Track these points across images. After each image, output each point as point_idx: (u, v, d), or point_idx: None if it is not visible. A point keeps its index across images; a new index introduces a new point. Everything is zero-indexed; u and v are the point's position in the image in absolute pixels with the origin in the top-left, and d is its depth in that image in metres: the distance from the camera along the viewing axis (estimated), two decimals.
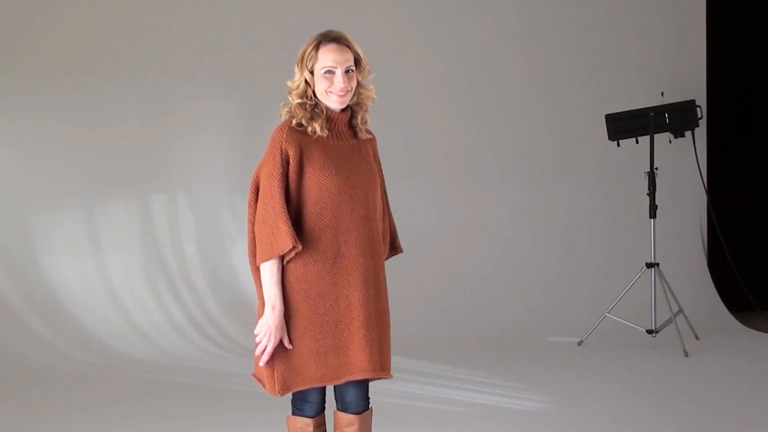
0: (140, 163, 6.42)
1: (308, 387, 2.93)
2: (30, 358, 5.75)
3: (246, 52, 6.55)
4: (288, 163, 2.87)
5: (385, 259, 3.09)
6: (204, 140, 6.53)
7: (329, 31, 2.94)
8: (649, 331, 6.10)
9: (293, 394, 3.00)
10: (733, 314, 6.96)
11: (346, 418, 2.99)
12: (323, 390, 3.02)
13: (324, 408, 3.06)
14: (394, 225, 3.14)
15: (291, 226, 2.82)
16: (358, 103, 2.97)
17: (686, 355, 5.86)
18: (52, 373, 5.56)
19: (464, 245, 6.91)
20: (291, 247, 2.82)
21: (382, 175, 3.10)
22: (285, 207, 2.84)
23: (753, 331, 6.71)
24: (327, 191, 2.86)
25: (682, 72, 7.24)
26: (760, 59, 7.50)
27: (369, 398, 3.03)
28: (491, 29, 7.02)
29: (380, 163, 3.09)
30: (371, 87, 2.99)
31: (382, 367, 2.91)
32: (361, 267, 2.90)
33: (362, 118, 2.98)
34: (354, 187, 2.89)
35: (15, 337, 5.90)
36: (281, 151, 2.87)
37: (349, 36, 2.94)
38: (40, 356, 5.77)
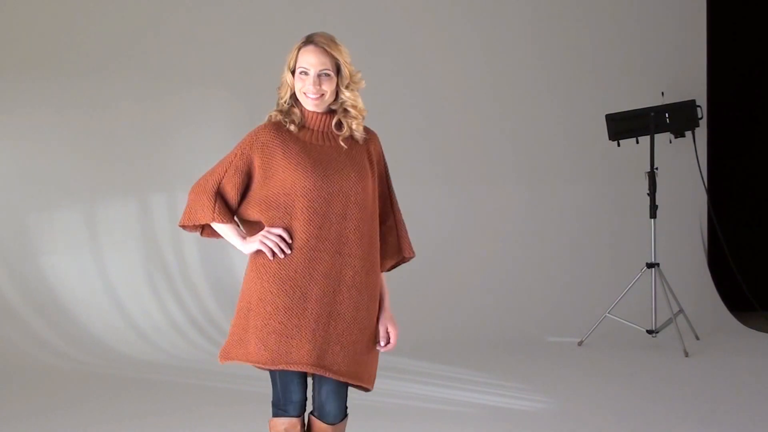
0: (140, 162, 6.42)
1: (245, 362, 2.93)
2: (30, 358, 5.75)
3: (248, 51, 6.55)
4: (251, 163, 2.95)
5: (391, 265, 3.07)
6: (205, 139, 6.52)
7: (314, 34, 2.96)
8: (650, 331, 6.11)
9: (275, 395, 2.99)
10: (733, 314, 6.96)
11: (321, 427, 2.97)
12: (305, 389, 2.99)
13: (305, 408, 3.02)
14: (401, 229, 3.09)
15: (214, 203, 2.95)
16: (344, 111, 2.97)
17: (686, 355, 5.86)
18: (52, 373, 5.56)
19: (463, 245, 6.91)
20: (210, 220, 2.96)
21: (386, 179, 3.09)
22: (218, 182, 2.96)
23: (753, 331, 6.71)
24: (301, 186, 2.90)
25: (682, 72, 7.24)
26: (760, 59, 7.50)
27: (347, 407, 3.00)
28: (490, 31, 7.02)
29: (384, 165, 3.08)
30: (354, 96, 2.95)
31: (324, 365, 2.86)
32: (326, 263, 2.89)
33: (348, 126, 2.97)
34: (331, 185, 2.90)
35: (15, 337, 5.90)
36: (247, 144, 2.97)
37: (338, 41, 2.94)
38: (40, 356, 5.77)
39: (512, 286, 6.84)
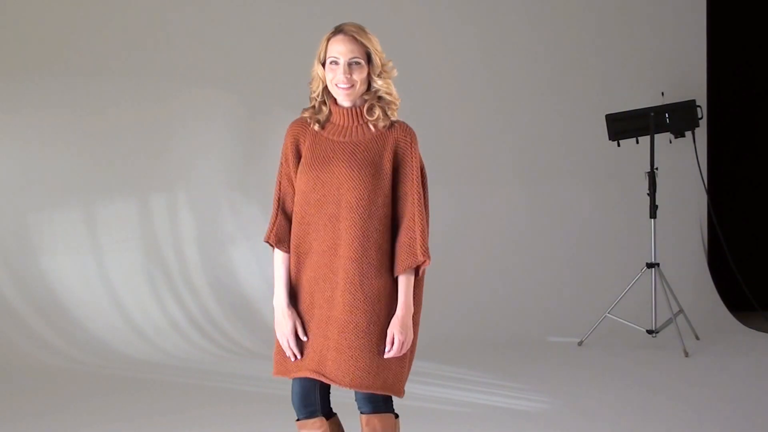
0: (140, 162, 6.41)
1: (293, 377, 2.92)
2: (30, 358, 5.74)
3: (249, 50, 6.55)
4: (290, 157, 2.95)
5: (402, 268, 2.86)
6: (205, 140, 6.52)
7: (342, 24, 2.93)
8: (650, 331, 6.11)
9: None
10: (733, 314, 6.96)
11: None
12: (307, 393, 2.93)
13: (313, 414, 2.95)
14: (417, 230, 2.87)
15: (274, 222, 2.94)
16: (377, 98, 2.92)
17: (686, 355, 5.86)
18: (52, 373, 5.56)
19: (463, 246, 6.90)
20: (267, 239, 2.95)
21: (411, 176, 2.90)
22: (278, 200, 2.96)
23: (753, 331, 6.71)
24: (299, 188, 2.90)
25: (682, 72, 7.24)
26: (760, 59, 7.50)
27: (381, 405, 2.98)
28: (489, 30, 7.02)
29: (412, 162, 2.91)
30: (386, 84, 2.93)
31: (322, 372, 2.82)
32: (323, 266, 2.86)
33: (381, 113, 2.91)
34: (324, 185, 2.86)
35: (15, 337, 5.90)
36: (285, 147, 2.97)
37: (368, 30, 2.92)
38: (40, 356, 5.77)
39: (512, 286, 6.84)
